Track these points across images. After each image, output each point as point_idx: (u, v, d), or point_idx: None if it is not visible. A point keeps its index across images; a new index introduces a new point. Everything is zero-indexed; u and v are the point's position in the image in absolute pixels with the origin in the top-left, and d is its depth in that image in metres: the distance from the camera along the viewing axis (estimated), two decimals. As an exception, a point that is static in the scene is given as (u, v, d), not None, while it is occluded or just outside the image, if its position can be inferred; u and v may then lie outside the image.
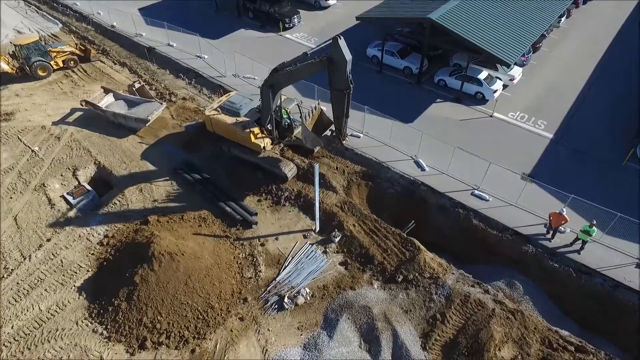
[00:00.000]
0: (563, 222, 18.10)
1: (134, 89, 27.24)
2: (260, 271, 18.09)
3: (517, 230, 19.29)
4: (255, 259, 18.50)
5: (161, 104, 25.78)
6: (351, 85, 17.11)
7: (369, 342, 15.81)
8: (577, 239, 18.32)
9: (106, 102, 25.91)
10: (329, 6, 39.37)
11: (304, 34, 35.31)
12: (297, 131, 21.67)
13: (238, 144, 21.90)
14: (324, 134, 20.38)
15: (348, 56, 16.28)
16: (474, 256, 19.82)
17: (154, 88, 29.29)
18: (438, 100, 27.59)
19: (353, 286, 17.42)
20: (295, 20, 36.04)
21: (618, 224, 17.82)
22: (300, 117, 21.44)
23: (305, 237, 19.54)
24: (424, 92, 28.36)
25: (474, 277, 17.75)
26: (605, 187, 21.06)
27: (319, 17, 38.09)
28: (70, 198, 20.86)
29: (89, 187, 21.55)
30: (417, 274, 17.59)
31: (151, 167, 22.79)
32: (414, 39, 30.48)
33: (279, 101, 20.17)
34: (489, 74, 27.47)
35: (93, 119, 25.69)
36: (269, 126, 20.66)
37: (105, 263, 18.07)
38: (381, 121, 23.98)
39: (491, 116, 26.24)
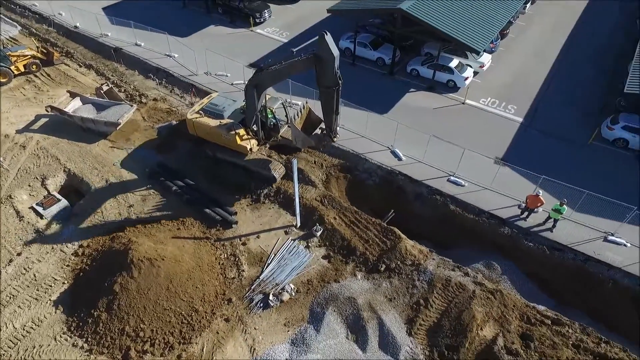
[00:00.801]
0: (539, 204, 18.69)
1: (102, 91, 26.41)
2: (243, 270, 18.00)
3: (493, 213, 19.83)
4: (237, 259, 18.38)
5: (132, 106, 25.11)
6: (340, 82, 16.70)
7: (356, 333, 16.01)
8: (549, 217, 18.99)
9: (73, 106, 25.02)
10: (298, 0, 39.04)
11: (276, 29, 34.98)
12: (283, 130, 21.40)
13: (223, 146, 21.43)
14: (314, 132, 20.10)
15: (335, 52, 15.81)
16: (453, 241, 20.28)
17: (123, 90, 28.49)
18: (411, 89, 27.89)
19: (337, 279, 17.56)
20: (266, 14, 35.64)
21: (586, 201, 18.55)
22: (286, 116, 21.20)
23: (286, 233, 19.53)
24: (398, 82, 28.60)
25: (454, 261, 18.18)
26: (573, 166, 21.88)
27: (289, 10, 37.76)
28: (40, 209, 20.16)
29: (59, 196, 20.87)
30: (399, 262, 17.87)
31: (125, 172, 22.23)
32: (386, 30, 30.65)
33: (263, 101, 19.76)
34: (459, 61, 27.91)
35: (60, 125, 24.80)
36: (254, 127, 20.25)
37: (81, 274, 17.58)
38: (357, 113, 24.09)
39: (463, 103, 26.72)
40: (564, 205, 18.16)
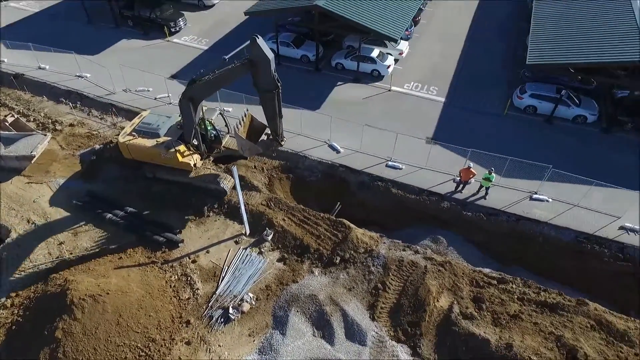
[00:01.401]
0: (472, 175, 20.02)
1: (6, 123, 23.86)
2: (197, 289, 17.33)
3: (432, 190, 20.95)
4: (189, 278, 17.65)
5: (45, 135, 23.04)
6: (279, 84, 16.35)
7: (322, 328, 16.12)
8: (481, 186, 20.44)
9: (-26, 145, 22.41)
10: (214, 4, 38.13)
11: (194, 36, 33.86)
12: (226, 141, 20.75)
13: (164, 166, 20.29)
14: (260, 139, 19.58)
15: (270, 54, 15.50)
16: (400, 222, 21.10)
17: (32, 119, 25.99)
18: (339, 83, 28.49)
19: (295, 279, 17.53)
20: (181, 23, 34.35)
21: (510, 166, 20.24)
22: (226, 125, 20.60)
23: (237, 243, 19.11)
24: (325, 77, 29.05)
25: (403, 241, 18.96)
26: (494, 136, 23.74)
27: (205, 17, 36.73)
28: (-47, 263, 17.89)
29: (-25, 245, 18.67)
30: (352, 252, 18.25)
31: (49, 207, 20.34)
32: (306, 27, 30.93)
33: (201, 113, 18.94)
34: (380, 51, 28.99)
35: (-38, 166, 22.11)
36: (194, 141, 19.37)
37: (14, 327, 15.85)
38: (289, 112, 23.99)
39: (389, 90, 27.83)
40: (493, 173, 19.63)
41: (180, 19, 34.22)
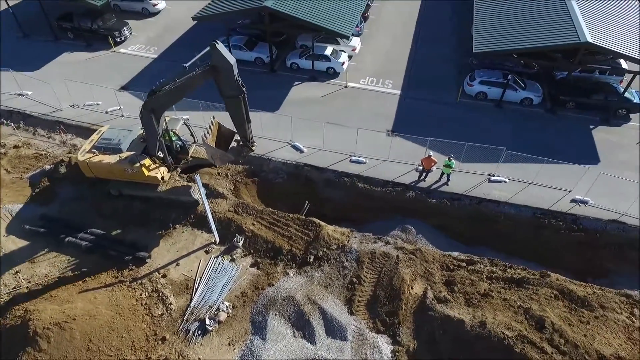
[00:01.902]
0: (433, 163, 20.65)
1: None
2: (170, 303, 16.81)
3: (397, 182, 21.44)
4: (161, 294, 17.08)
5: (-13, 160, 21.49)
6: (244, 89, 16.05)
7: (302, 328, 16.11)
8: (442, 173, 21.13)
9: None
10: (159, 11, 36.97)
11: (141, 45, 32.67)
12: (193, 150, 20.17)
13: (129, 182, 19.45)
14: (230, 146, 19.12)
15: (232, 59, 15.20)
16: (369, 216, 21.42)
17: (-30, 144, 24.18)
18: (296, 83, 28.50)
19: (270, 282, 17.40)
20: (126, 32, 33.02)
21: (468, 151, 21.07)
22: (191, 134, 20.07)
23: (207, 252, 18.70)
24: (281, 78, 28.97)
25: (374, 234, 19.28)
26: (450, 123, 24.61)
27: (152, 24, 35.54)
28: None
29: None
30: (325, 250, 18.34)
31: (2, 237, 19.00)
32: (257, 29, 30.69)
33: (164, 124, 18.28)
34: (333, 49, 29.26)
35: None
36: (159, 154, 18.69)
37: (-27, 366, 14.76)
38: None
39: (346, 86, 28.17)
40: (452, 160, 20.36)
41: (124, 28, 32.89)
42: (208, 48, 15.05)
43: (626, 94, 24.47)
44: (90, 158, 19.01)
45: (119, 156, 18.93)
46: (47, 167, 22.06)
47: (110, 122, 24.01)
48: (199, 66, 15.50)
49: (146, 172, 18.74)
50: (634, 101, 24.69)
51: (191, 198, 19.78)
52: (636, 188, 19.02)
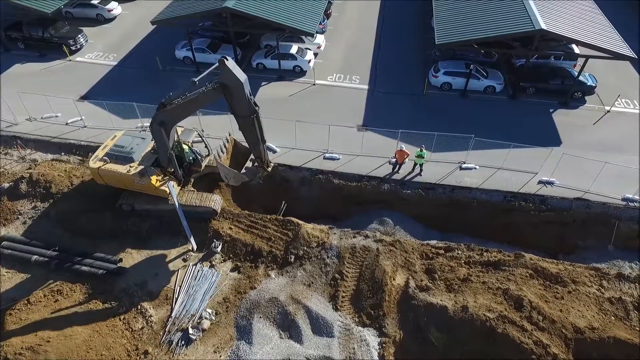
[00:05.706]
0: (406, 156, 20.94)
1: None
2: (150, 316, 16.29)
3: (371, 175, 21.62)
4: (140, 306, 16.52)
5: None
6: (257, 108, 15.32)
7: (288, 329, 15.99)
8: (415, 164, 21.49)
9: None
10: (115, 17, 35.66)
11: (99, 53, 31.42)
12: (206, 161, 19.50)
13: (142, 195, 18.79)
14: (245, 165, 18.34)
15: (242, 77, 14.42)
16: (347, 211, 21.52)
17: None
18: (263, 83, 28.22)
19: (252, 285, 17.18)
20: (81, 39, 31.65)
21: (438, 141, 21.51)
22: (206, 146, 19.41)
23: (185, 260, 18.25)
24: (248, 79, 28.44)
25: (353, 229, 19.38)
26: (419, 115, 25.06)
27: (109, 30, 34.25)
28: None
29: None
30: (305, 248, 18.28)
31: (-43, 262, 17.87)
32: (219, 31, 30.16)
33: (175, 136, 17.48)
34: (299, 47, 29.16)
35: None
36: (170, 169, 17.93)
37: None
38: (218, 119, 23.31)
39: (314, 84, 28.15)
40: (424, 150, 20.73)
41: (79, 36, 31.52)
42: (217, 64, 14.26)
43: (580, 78, 25.66)
44: (102, 166, 18.27)
45: (130, 166, 18.17)
46: (6, 184, 20.87)
47: (71, 134, 22.96)
48: (210, 82, 14.77)
49: (156, 185, 18.07)
50: (588, 84, 25.95)
51: (210, 207, 19.04)
52: (597, 166, 19.98)
